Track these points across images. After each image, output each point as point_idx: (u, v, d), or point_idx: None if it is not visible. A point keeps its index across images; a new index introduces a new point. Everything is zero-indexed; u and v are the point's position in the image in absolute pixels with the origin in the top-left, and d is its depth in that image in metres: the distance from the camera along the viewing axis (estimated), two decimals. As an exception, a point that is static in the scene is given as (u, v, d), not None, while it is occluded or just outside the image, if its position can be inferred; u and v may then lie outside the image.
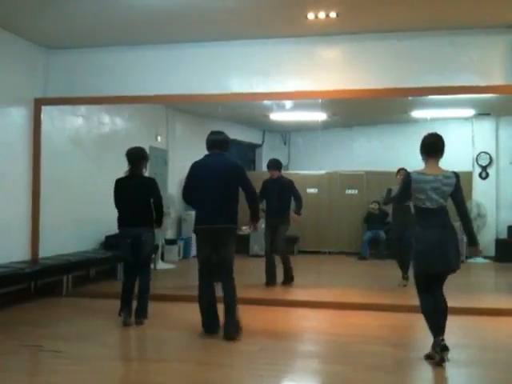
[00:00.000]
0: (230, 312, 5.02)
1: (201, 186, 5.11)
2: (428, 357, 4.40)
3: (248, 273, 7.77)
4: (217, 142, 5.26)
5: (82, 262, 7.45)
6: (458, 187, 4.39)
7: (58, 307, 6.60)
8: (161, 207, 5.81)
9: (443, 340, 4.26)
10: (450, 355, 4.33)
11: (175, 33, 6.93)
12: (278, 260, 7.61)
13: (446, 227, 4.37)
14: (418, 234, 4.43)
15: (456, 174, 4.44)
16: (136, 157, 5.74)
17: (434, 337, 4.35)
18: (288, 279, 7.68)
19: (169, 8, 6.11)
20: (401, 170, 7.57)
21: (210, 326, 5.11)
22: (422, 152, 4.51)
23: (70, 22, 6.58)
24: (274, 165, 7.81)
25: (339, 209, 10.79)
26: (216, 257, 5.10)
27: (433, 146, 4.48)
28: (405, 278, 7.68)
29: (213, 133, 5.33)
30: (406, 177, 4.52)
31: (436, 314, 4.37)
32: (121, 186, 5.77)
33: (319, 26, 6.50)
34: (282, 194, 7.63)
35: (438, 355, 4.27)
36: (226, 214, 5.06)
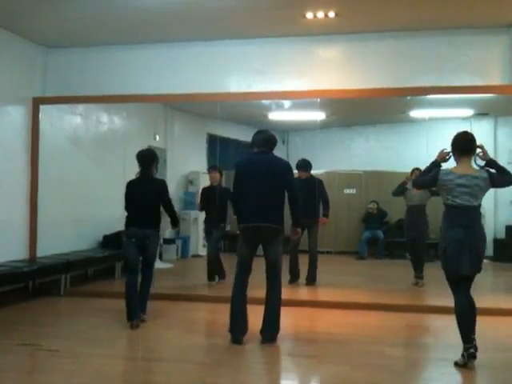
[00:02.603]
0: (274, 313, 4.92)
1: (249, 184, 4.96)
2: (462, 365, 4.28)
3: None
4: (267, 141, 5.10)
5: (80, 261, 7.44)
6: (491, 176, 4.32)
7: (55, 306, 6.60)
8: (171, 209, 5.85)
9: (471, 348, 4.20)
10: (448, 355, 4.35)
11: (173, 32, 6.92)
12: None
13: (472, 227, 4.29)
14: (443, 232, 4.39)
15: (487, 170, 4.38)
16: (146, 159, 5.77)
17: (465, 343, 4.26)
18: (312, 279, 7.73)
19: (167, 7, 6.11)
20: (415, 170, 7.53)
21: (238, 330, 4.90)
22: (456, 150, 4.42)
23: (68, 21, 6.58)
24: (304, 166, 7.79)
25: (337, 208, 10.74)
26: (264, 256, 5.01)
27: (468, 145, 4.40)
28: (420, 277, 7.67)
29: (261, 131, 5.18)
30: (436, 170, 4.44)
31: (473, 318, 4.30)
32: (131, 188, 5.78)
33: (318, 25, 6.50)
34: (312, 194, 7.61)
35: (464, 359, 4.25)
36: (274, 213, 4.93)
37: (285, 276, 6.91)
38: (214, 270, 7.67)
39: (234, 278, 5.03)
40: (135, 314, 5.44)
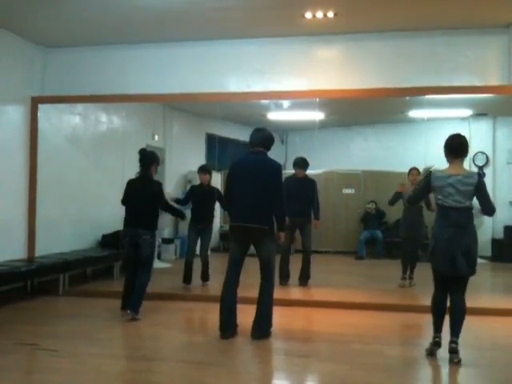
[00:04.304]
0: (266, 310, 4.95)
1: (240, 183, 5.01)
2: (428, 352, 4.49)
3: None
4: (262, 140, 5.11)
5: (79, 260, 7.43)
6: (479, 187, 4.35)
7: (54, 306, 6.59)
8: (170, 208, 6.13)
9: (453, 342, 4.29)
10: (446, 354, 4.35)
11: (173, 32, 6.92)
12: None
13: (463, 228, 4.32)
14: (434, 232, 4.46)
15: (479, 174, 4.43)
16: (145, 159, 5.85)
17: (434, 332, 4.45)
18: (306, 278, 7.70)
19: (166, 7, 6.10)
20: (413, 169, 7.50)
21: (227, 327, 4.96)
22: (448, 152, 4.47)
23: (67, 20, 6.57)
24: (302, 164, 7.74)
25: (336, 208, 10.79)
26: (257, 255, 5.06)
27: (460, 147, 4.45)
28: (411, 277, 7.66)
29: (258, 130, 5.17)
30: (426, 177, 4.50)
31: (443, 313, 4.44)
32: (128, 186, 5.91)
33: (317, 25, 6.50)
34: (307, 193, 7.59)
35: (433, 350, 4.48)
36: (263, 214, 4.95)
37: (276, 277, 6.92)
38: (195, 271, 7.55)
39: (224, 276, 5.07)
40: (126, 305, 5.73)
